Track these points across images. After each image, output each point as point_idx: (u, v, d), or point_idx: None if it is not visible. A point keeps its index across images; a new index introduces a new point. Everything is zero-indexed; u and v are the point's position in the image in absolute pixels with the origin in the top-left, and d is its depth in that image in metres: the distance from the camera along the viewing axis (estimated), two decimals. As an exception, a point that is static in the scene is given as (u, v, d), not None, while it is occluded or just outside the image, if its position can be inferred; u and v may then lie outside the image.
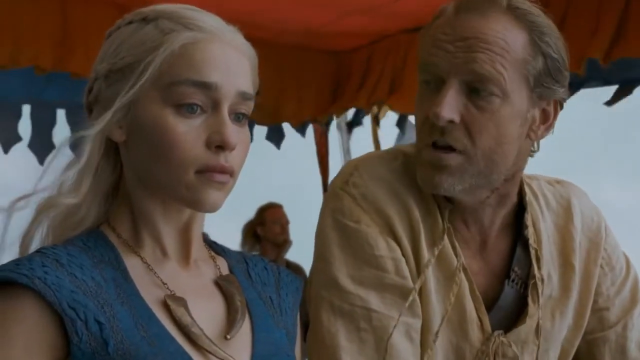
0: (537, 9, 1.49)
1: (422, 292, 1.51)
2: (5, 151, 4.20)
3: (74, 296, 1.16)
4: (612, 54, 3.35)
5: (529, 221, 1.59)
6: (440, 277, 1.53)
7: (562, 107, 1.54)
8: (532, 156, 1.57)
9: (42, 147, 4.19)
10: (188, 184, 1.21)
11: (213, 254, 1.36)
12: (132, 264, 1.24)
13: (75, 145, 1.25)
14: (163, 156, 1.20)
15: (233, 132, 1.21)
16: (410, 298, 1.49)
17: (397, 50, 4.41)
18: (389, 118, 4.76)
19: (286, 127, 4.96)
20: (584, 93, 3.68)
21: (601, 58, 3.34)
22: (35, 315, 1.15)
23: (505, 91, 1.44)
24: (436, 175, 1.47)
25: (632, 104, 3.60)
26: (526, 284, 1.58)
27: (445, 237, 1.53)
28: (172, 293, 1.23)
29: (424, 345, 1.52)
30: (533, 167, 1.64)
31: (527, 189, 1.61)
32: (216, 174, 1.21)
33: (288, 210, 5.37)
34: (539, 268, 1.58)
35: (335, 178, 1.58)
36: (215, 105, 1.22)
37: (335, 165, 4.93)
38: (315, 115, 4.89)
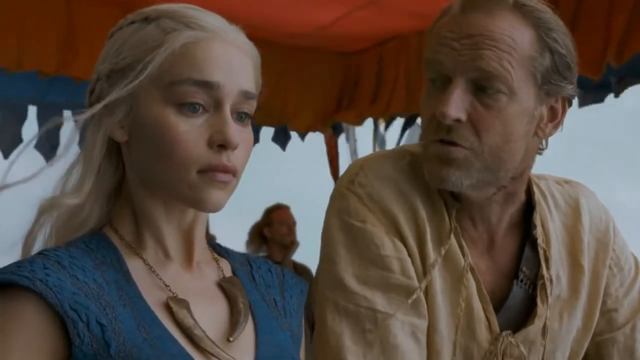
0: (545, 5, 1.48)
1: (428, 293, 1.50)
2: (5, 156, 4.18)
3: (76, 298, 1.15)
4: (624, 54, 3.33)
5: (537, 221, 1.58)
6: (447, 277, 1.52)
7: (570, 104, 1.53)
8: (540, 154, 1.56)
9: (51, 148, 4.19)
10: (191, 184, 1.20)
11: (216, 256, 1.35)
12: (135, 266, 1.23)
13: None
14: (165, 155, 1.19)
15: (235, 131, 1.20)
16: (414, 296, 1.47)
17: (407, 52, 4.38)
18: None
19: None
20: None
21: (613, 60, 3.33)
22: (36, 317, 1.14)
23: (512, 89, 1.43)
24: (443, 168, 1.46)
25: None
26: (534, 284, 1.57)
27: (452, 236, 1.52)
28: (175, 295, 1.22)
29: (430, 346, 1.50)
30: (543, 168, 1.64)
31: (535, 189, 1.60)
32: (219, 173, 1.20)
33: (295, 211, 5.37)
34: (548, 268, 1.57)
35: (341, 178, 1.57)
36: (218, 105, 1.21)
37: (346, 166, 4.92)
38: (324, 119, 4.89)
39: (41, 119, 4.30)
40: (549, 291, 1.56)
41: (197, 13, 1.24)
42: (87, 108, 1.28)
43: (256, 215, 5.42)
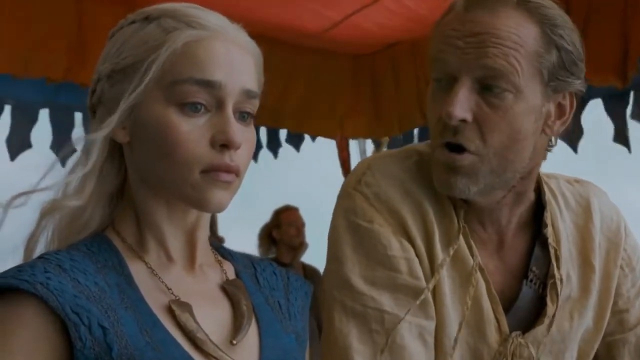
0: (550, 0, 1.47)
1: (436, 293, 1.49)
2: (12, 158, 4.17)
3: (77, 301, 1.14)
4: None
5: (548, 220, 1.57)
6: (456, 278, 1.51)
7: (578, 100, 1.51)
8: (550, 151, 1.55)
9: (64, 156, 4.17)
10: (193, 184, 1.19)
11: (220, 258, 1.34)
12: (137, 269, 1.22)
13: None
14: (167, 155, 1.18)
15: (238, 131, 1.19)
16: (422, 297, 1.46)
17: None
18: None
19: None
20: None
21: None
22: (37, 321, 1.13)
23: (518, 86, 1.42)
24: (451, 177, 1.46)
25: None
26: (544, 284, 1.56)
27: (461, 236, 1.51)
28: (177, 298, 1.21)
29: (439, 347, 1.49)
30: (553, 168, 1.62)
31: (545, 188, 1.59)
32: (221, 173, 1.19)
33: (304, 213, 5.36)
34: (558, 268, 1.56)
35: (348, 177, 1.56)
36: (220, 104, 1.20)
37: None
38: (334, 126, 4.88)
39: (54, 121, 4.29)
40: (559, 291, 1.54)
41: (198, 12, 1.23)
42: (88, 109, 1.28)
43: (266, 218, 5.42)
